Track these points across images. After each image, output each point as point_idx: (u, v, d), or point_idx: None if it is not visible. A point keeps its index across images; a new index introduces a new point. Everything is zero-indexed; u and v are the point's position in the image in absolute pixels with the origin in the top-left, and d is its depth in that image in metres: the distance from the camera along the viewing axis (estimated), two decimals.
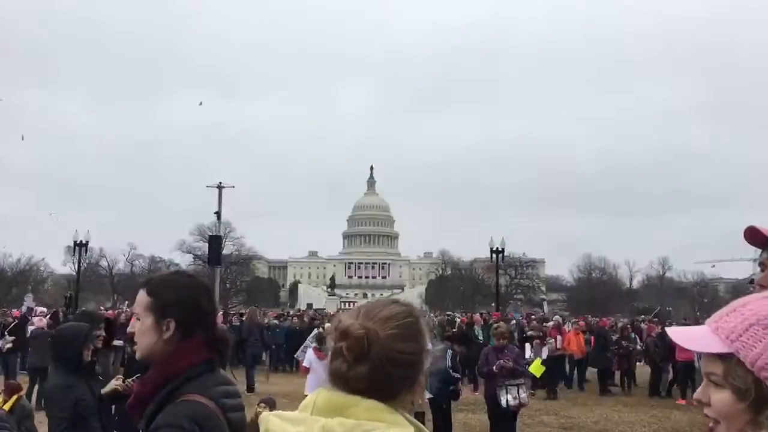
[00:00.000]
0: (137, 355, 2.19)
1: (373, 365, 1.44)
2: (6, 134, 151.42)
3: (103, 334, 5.32)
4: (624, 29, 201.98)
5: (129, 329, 2.14)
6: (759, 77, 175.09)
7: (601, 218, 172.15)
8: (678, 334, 1.21)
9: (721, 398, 1.14)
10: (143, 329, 2.16)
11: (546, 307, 56.24)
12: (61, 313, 25.36)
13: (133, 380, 5.27)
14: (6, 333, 17.79)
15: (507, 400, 9.20)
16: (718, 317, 1.18)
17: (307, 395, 1.53)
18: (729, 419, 1.13)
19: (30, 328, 17.33)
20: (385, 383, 1.45)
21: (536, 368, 14.60)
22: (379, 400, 1.43)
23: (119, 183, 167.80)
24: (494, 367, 9.28)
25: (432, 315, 40.73)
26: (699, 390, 1.20)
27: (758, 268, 2.69)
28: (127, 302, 41.79)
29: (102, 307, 41.83)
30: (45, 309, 19.70)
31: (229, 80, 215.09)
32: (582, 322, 24.30)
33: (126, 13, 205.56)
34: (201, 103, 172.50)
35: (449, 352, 9.43)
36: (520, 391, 9.39)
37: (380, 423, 1.40)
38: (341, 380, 1.46)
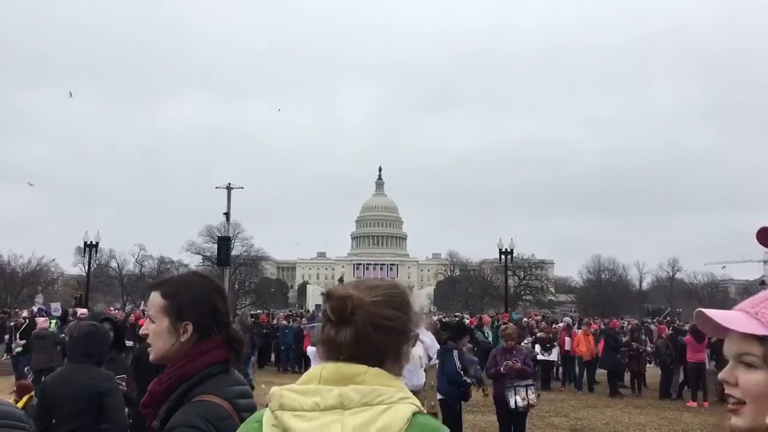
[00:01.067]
0: (151, 357, 2.18)
1: (357, 329, 1.49)
2: (11, 135, 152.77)
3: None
4: (628, 30, 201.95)
5: (142, 331, 2.13)
6: (762, 78, 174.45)
7: (607, 219, 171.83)
8: (718, 314, 1.22)
9: (753, 378, 1.16)
10: (158, 331, 2.14)
11: (572, 311, 56.32)
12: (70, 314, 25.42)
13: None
14: (18, 335, 17.93)
15: (516, 401, 9.18)
16: (757, 303, 1.21)
17: None
18: (761, 400, 1.15)
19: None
20: (370, 349, 1.49)
21: None
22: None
23: (127, 184, 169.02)
24: (501, 368, 9.27)
25: (441, 316, 40.72)
26: (725, 370, 1.21)
27: None
28: (143, 302, 41.90)
29: (112, 308, 41.98)
30: (86, 311, 19.53)
31: (234, 82, 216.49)
32: (593, 325, 24.21)
33: (129, 15, 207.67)
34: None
35: (455, 353, 9.38)
36: (529, 392, 9.36)
37: (389, 388, 1.46)
38: (332, 347, 1.50)
